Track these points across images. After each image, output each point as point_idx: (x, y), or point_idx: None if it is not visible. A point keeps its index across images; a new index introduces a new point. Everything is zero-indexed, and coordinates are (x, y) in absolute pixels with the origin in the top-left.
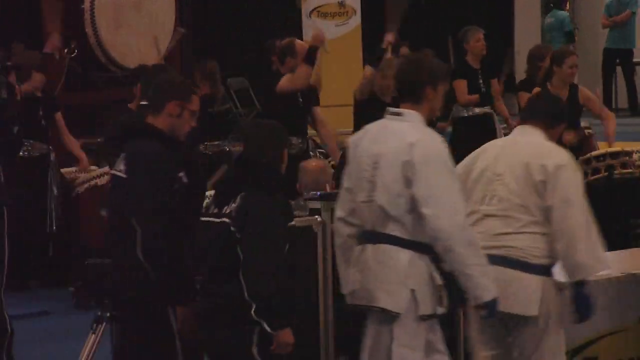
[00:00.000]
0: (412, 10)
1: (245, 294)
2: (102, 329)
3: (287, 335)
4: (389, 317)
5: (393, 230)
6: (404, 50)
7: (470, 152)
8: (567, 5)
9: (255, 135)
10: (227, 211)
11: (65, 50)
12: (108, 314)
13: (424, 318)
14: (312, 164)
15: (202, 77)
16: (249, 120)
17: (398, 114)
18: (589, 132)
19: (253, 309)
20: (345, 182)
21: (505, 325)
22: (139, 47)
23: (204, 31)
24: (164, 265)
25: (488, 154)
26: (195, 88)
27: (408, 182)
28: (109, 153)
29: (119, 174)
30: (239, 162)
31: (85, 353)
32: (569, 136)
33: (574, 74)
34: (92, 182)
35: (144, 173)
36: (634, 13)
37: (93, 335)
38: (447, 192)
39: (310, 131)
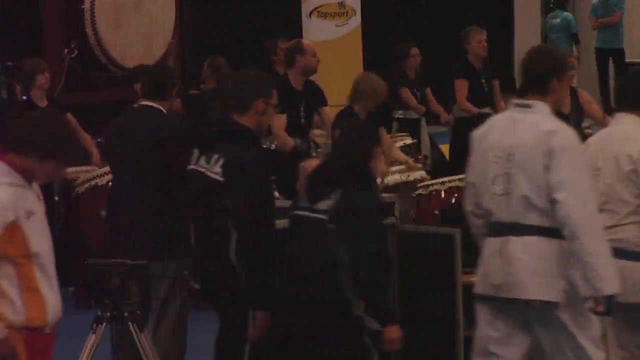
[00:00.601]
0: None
1: (352, 291)
2: (102, 329)
3: (395, 331)
4: (547, 308)
5: (537, 220)
6: (415, 50)
7: (469, 152)
8: (569, 5)
9: (349, 132)
10: (323, 207)
11: (66, 50)
12: (108, 314)
13: (581, 301)
14: (312, 164)
15: (210, 73)
16: (341, 119)
17: (527, 106)
18: (588, 133)
19: (364, 307)
20: (469, 176)
21: (627, 317)
22: (139, 47)
23: (204, 31)
24: (256, 269)
25: (591, 149)
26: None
27: (547, 170)
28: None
29: (214, 176)
30: (333, 158)
31: (85, 353)
32: None
33: (572, 75)
34: (92, 182)
35: (245, 178)
36: (622, 12)
37: (93, 335)
38: (580, 181)
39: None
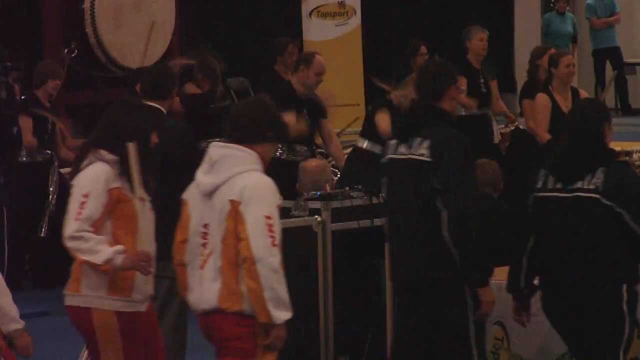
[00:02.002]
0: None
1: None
2: None
3: None
4: None
5: None
6: (423, 49)
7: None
8: (567, 5)
9: (580, 113)
10: (586, 186)
11: (66, 50)
12: None
13: None
14: (312, 164)
15: (204, 75)
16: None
17: None
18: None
19: None
20: None
21: None
22: (139, 47)
23: (204, 31)
24: (470, 245)
25: None
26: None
27: None
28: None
29: (420, 157)
30: (572, 140)
31: (86, 353)
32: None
33: (571, 72)
34: None
35: (452, 156)
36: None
37: None
38: None
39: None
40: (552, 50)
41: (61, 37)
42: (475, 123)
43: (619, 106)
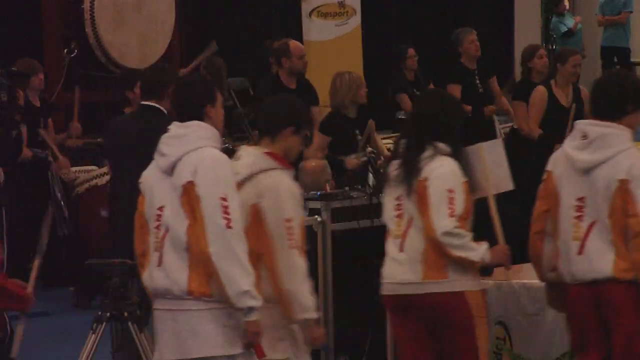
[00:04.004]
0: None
1: None
2: (102, 329)
3: None
4: None
5: None
6: (411, 51)
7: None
8: (567, 5)
9: None
10: None
11: (65, 50)
12: (108, 314)
13: None
14: (312, 164)
15: (209, 75)
16: None
17: None
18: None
19: None
20: None
21: None
22: (139, 47)
23: (204, 31)
24: None
25: None
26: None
27: None
28: None
29: None
30: None
31: (85, 353)
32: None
33: (577, 73)
34: (92, 182)
35: None
36: (631, 12)
37: (93, 335)
38: None
39: None
40: (542, 50)
41: (61, 37)
42: (478, 125)
43: None
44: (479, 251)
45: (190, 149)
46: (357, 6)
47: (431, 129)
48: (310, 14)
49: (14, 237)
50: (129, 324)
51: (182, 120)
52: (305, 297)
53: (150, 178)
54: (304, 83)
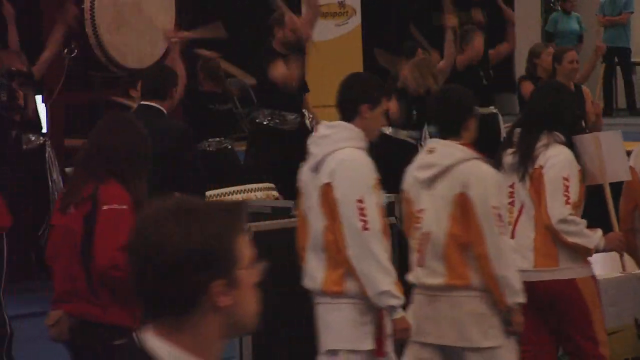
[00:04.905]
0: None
1: None
2: None
3: None
4: None
5: None
6: (420, 51)
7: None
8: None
9: None
10: None
11: (65, 50)
12: None
13: None
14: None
15: (204, 76)
16: None
17: None
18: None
19: None
20: None
21: None
22: (139, 47)
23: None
24: None
25: None
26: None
27: None
28: None
29: None
30: None
31: None
32: None
33: (575, 69)
34: None
35: None
36: (631, 13)
37: None
38: None
39: None
40: (551, 49)
41: (61, 37)
42: (482, 123)
43: (625, 106)
44: (594, 238)
45: (332, 150)
46: (357, 6)
47: (546, 118)
48: None
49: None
50: None
51: (343, 118)
52: (515, 281)
53: (305, 177)
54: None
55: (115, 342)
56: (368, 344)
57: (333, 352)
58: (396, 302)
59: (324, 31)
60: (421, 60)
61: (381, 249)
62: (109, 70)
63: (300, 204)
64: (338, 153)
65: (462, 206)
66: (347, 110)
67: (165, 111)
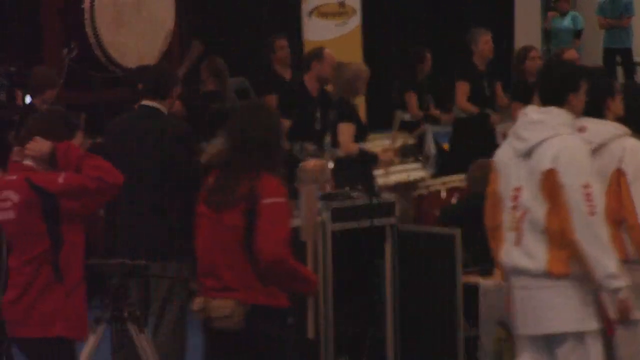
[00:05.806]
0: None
1: None
2: (102, 329)
3: None
4: None
5: None
6: (429, 56)
7: (468, 152)
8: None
9: None
10: None
11: (65, 50)
12: (108, 314)
13: None
14: (312, 163)
15: (210, 74)
16: None
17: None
18: None
19: None
20: None
21: None
22: (139, 47)
23: (204, 31)
24: None
25: None
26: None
27: None
28: None
29: None
30: None
31: (85, 353)
32: None
33: None
34: None
35: None
36: (632, 16)
37: (93, 336)
38: None
39: None
40: (534, 52)
41: (61, 37)
42: (477, 124)
43: None
44: None
45: (550, 135)
46: (357, 6)
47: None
48: (310, 14)
49: None
50: (129, 324)
51: (544, 104)
52: None
53: (505, 158)
54: (327, 94)
55: (289, 322)
56: (596, 323)
57: (577, 336)
58: (622, 283)
59: (324, 31)
60: None
61: (606, 233)
62: (109, 70)
63: (494, 184)
64: (557, 139)
65: (618, 181)
66: (557, 96)
67: (165, 111)
